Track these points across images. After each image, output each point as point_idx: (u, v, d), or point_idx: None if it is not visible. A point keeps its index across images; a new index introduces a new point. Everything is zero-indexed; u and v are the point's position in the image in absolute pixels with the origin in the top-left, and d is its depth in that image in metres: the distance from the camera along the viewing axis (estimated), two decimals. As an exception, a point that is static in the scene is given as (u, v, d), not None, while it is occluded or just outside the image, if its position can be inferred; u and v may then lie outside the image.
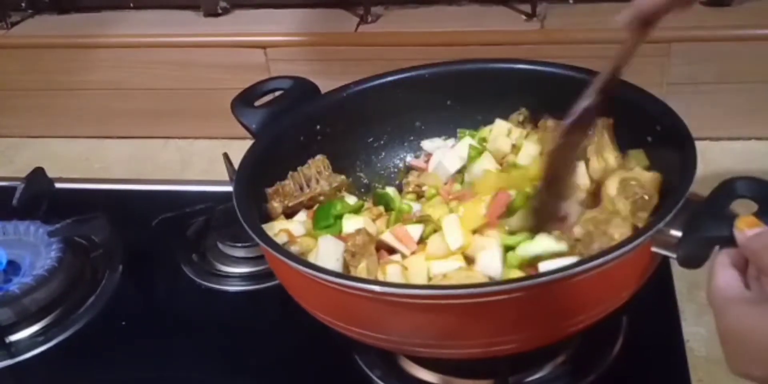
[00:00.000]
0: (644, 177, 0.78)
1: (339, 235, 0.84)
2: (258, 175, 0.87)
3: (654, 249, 0.68)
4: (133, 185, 1.23)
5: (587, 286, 0.67)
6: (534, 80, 0.92)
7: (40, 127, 1.38)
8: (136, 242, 1.07)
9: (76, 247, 1.07)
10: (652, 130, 0.81)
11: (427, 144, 0.99)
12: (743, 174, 0.66)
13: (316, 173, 0.92)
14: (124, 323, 0.97)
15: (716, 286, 0.60)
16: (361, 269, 0.78)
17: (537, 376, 0.84)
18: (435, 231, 0.83)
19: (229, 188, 0.82)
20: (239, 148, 0.87)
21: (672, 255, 0.67)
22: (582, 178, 0.84)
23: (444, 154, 0.95)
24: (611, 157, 0.84)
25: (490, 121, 0.95)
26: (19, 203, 1.11)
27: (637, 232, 0.69)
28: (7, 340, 0.94)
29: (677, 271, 0.92)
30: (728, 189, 0.66)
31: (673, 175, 0.74)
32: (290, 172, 0.91)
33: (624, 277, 0.70)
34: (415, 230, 0.83)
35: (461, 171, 0.94)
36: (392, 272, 0.78)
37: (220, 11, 1.29)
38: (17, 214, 1.10)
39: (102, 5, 1.35)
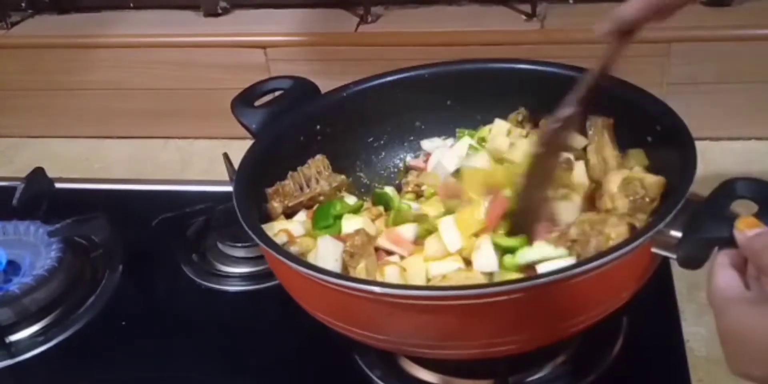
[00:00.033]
0: (649, 179, 0.78)
1: (338, 235, 0.84)
2: (258, 175, 0.87)
3: (654, 250, 0.68)
4: (133, 185, 1.23)
5: (587, 287, 0.67)
6: (534, 80, 0.92)
7: (40, 127, 1.38)
8: (136, 242, 1.07)
9: (76, 247, 1.07)
10: (652, 130, 0.81)
11: (426, 144, 0.99)
12: (743, 174, 0.66)
13: (316, 173, 0.92)
14: (124, 323, 0.97)
15: (716, 286, 0.60)
16: (360, 270, 0.78)
17: (537, 376, 0.84)
18: (430, 230, 0.83)
19: (229, 188, 0.82)
20: (239, 148, 0.87)
21: (672, 256, 0.67)
22: (581, 178, 0.84)
23: (443, 153, 0.95)
24: (611, 157, 0.84)
25: (490, 121, 0.95)
26: (19, 203, 1.11)
27: (636, 233, 0.69)
28: (7, 340, 0.94)
29: (677, 271, 0.92)
30: (728, 189, 0.66)
31: (673, 175, 0.74)
32: (290, 172, 0.91)
33: (624, 277, 0.70)
34: (409, 231, 0.83)
35: (460, 170, 0.94)
36: (390, 273, 0.78)
37: (220, 11, 1.29)
38: (17, 214, 1.10)
39: (102, 5, 1.35)
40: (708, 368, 0.82)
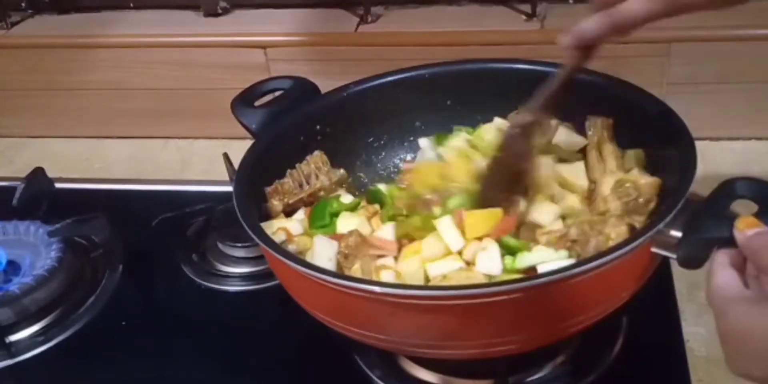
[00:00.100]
0: (642, 180, 0.78)
1: (333, 235, 0.84)
2: (258, 175, 0.87)
3: (654, 249, 0.68)
4: (133, 185, 1.23)
5: (587, 286, 0.67)
6: (534, 80, 0.92)
7: (40, 127, 1.38)
8: (136, 242, 1.07)
9: (76, 247, 1.07)
10: (652, 130, 0.81)
11: (423, 142, 0.98)
12: (743, 174, 0.66)
13: (315, 169, 0.91)
14: (124, 323, 0.97)
15: (715, 285, 0.60)
16: (355, 270, 0.78)
17: (537, 376, 0.84)
18: (395, 217, 0.83)
19: (229, 188, 0.82)
20: (239, 148, 0.87)
21: (672, 255, 0.67)
22: (580, 178, 0.84)
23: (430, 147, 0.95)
24: (610, 157, 0.84)
25: (490, 121, 0.95)
26: (19, 203, 1.11)
27: (637, 233, 0.69)
28: (7, 340, 0.94)
29: (677, 271, 0.92)
30: (728, 189, 0.66)
31: (673, 175, 0.74)
32: (289, 170, 0.91)
33: (624, 277, 0.70)
34: (388, 232, 0.83)
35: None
36: (386, 278, 0.78)
37: (220, 11, 1.29)
38: (17, 214, 1.10)
39: (102, 5, 1.35)
40: (708, 368, 0.82)
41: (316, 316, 0.77)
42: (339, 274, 0.76)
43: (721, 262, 0.61)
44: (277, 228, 0.84)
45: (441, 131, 0.98)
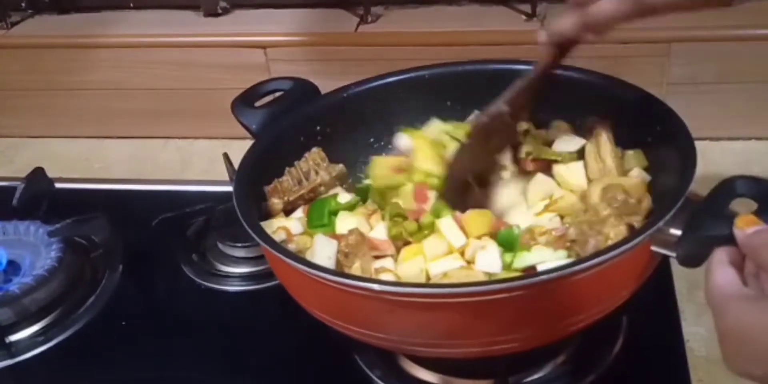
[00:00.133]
0: (629, 182, 0.78)
1: (333, 234, 0.84)
2: (258, 175, 0.87)
3: (654, 248, 0.68)
4: (133, 185, 1.23)
5: (587, 284, 0.67)
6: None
7: (40, 127, 1.38)
8: (136, 242, 1.07)
9: (76, 247, 1.07)
10: (652, 130, 0.81)
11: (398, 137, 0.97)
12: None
13: (314, 165, 0.91)
14: (124, 323, 0.97)
15: (714, 283, 0.60)
16: (354, 269, 0.78)
17: (537, 376, 0.84)
18: (399, 215, 0.83)
19: (229, 188, 0.82)
20: (239, 148, 0.87)
21: (672, 254, 0.67)
22: (579, 179, 0.84)
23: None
24: (609, 158, 0.84)
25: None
26: (19, 203, 1.11)
27: (637, 231, 0.69)
28: (7, 340, 0.94)
29: (677, 270, 0.92)
30: (728, 188, 0.66)
31: (673, 175, 0.74)
32: (287, 168, 0.91)
33: (624, 276, 0.70)
34: (380, 232, 0.83)
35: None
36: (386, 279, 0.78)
37: (220, 11, 1.29)
38: (17, 214, 1.10)
39: (102, 5, 1.35)
40: (708, 368, 0.82)
41: (315, 315, 0.77)
42: (338, 272, 0.75)
43: (719, 260, 0.61)
44: (277, 227, 0.84)
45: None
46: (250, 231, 0.75)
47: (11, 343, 0.94)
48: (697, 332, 0.86)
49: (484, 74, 0.95)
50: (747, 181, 0.65)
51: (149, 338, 0.95)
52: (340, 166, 0.93)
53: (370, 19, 1.22)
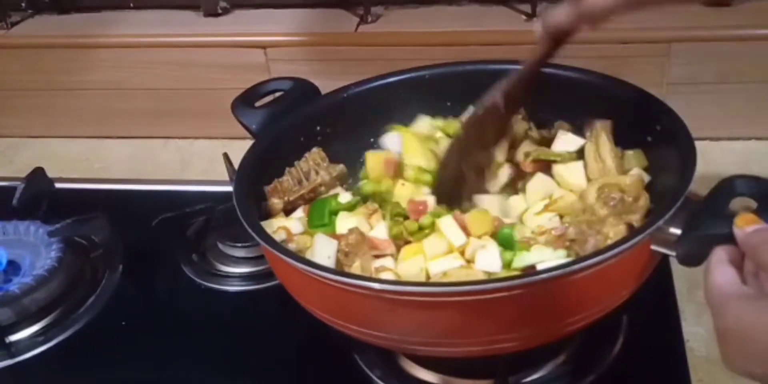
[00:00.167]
0: (624, 181, 0.78)
1: (333, 234, 0.84)
2: (258, 175, 0.87)
3: (653, 247, 0.68)
4: (133, 185, 1.23)
5: (587, 283, 0.67)
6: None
7: (40, 127, 1.38)
8: (136, 242, 1.07)
9: (76, 247, 1.07)
10: (652, 130, 0.81)
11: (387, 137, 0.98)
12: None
13: (314, 165, 0.91)
14: (124, 323, 0.97)
15: (713, 283, 0.60)
16: (354, 268, 0.78)
17: (537, 375, 0.84)
18: (400, 215, 0.84)
19: (229, 188, 0.82)
20: (239, 148, 0.87)
21: (671, 253, 0.67)
22: (579, 178, 0.84)
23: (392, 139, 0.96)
24: (609, 157, 0.84)
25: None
26: (19, 203, 1.11)
27: (636, 230, 0.69)
28: (7, 340, 0.94)
29: (677, 270, 0.92)
30: (727, 187, 0.66)
31: (673, 175, 0.74)
32: (287, 168, 0.91)
33: (624, 275, 0.71)
34: (380, 231, 0.83)
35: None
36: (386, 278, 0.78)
37: (220, 11, 1.29)
38: (17, 214, 1.10)
39: (102, 5, 1.35)
40: (708, 368, 0.82)
41: (315, 315, 0.77)
42: (338, 270, 0.75)
43: (719, 259, 0.61)
44: (278, 227, 0.84)
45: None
46: (250, 231, 0.75)
47: (11, 343, 0.94)
48: (697, 332, 0.86)
49: (484, 74, 0.94)
50: (747, 181, 0.65)
51: (149, 338, 0.95)
52: (341, 167, 0.93)
53: (370, 19, 1.22)
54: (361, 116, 0.96)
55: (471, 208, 0.85)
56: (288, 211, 0.89)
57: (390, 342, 0.74)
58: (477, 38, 1.16)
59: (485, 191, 0.88)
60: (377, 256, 0.81)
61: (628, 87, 0.85)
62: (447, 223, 0.80)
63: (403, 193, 0.87)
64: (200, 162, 1.29)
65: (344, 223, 0.84)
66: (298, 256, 0.73)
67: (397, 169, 0.91)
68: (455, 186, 0.86)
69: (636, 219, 0.76)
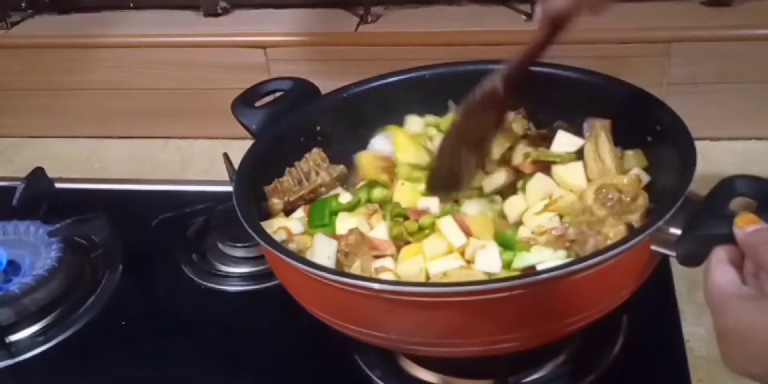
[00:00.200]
0: (622, 181, 0.78)
1: (333, 234, 0.84)
2: (258, 175, 0.87)
3: (653, 247, 0.68)
4: (133, 185, 1.23)
5: (588, 283, 0.67)
6: (534, 80, 0.92)
7: (40, 127, 1.38)
8: (136, 242, 1.08)
9: (76, 247, 1.07)
10: (652, 130, 0.81)
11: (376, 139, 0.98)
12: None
13: (315, 166, 0.91)
14: (124, 323, 0.97)
15: (713, 283, 0.60)
16: (354, 269, 0.78)
17: (537, 376, 0.84)
18: (400, 215, 0.83)
19: (229, 188, 0.82)
20: (239, 148, 0.87)
21: (671, 253, 0.67)
22: (578, 179, 0.84)
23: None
24: (608, 158, 0.84)
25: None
26: (19, 203, 1.11)
27: (637, 230, 0.69)
28: (7, 340, 0.94)
29: (677, 270, 0.92)
30: (727, 187, 0.66)
31: (673, 175, 0.74)
32: (287, 169, 0.91)
33: (624, 275, 0.71)
34: (380, 231, 0.83)
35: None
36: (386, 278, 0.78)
37: (220, 11, 1.29)
38: (17, 214, 1.10)
39: (102, 5, 1.35)
40: (708, 368, 0.82)
41: (315, 315, 0.77)
42: (338, 271, 0.76)
43: (719, 259, 0.61)
44: (278, 227, 0.84)
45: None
46: (250, 231, 0.75)
47: (11, 343, 0.94)
48: (697, 332, 0.86)
49: (483, 74, 0.94)
50: (747, 181, 0.66)
51: (149, 338, 0.95)
52: (341, 167, 0.93)
53: (370, 19, 1.22)
54: (361, 116, 0.96)
55: (465, 196, 0.86)
56: (288, 211, 0.89)
57: (390, 342, 0.74)
58: (477, 38, 1.16)
59: (483, 175, 0.88)
60: (377, 257, 0.81)
61: (628, 87, 0.85)
62: (447, 223, 0.81)
63: (404, 193, 0.87)
64: (200, 162, 1.29)
65: (344, 223, 0.84)
66: (298, 256, 0.73)
67: (391, 168, 0.91)
68: (452, 173, 0.86)
69: (635, 219, 0.76)
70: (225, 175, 0.90)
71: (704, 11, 1.14)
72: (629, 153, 0.85)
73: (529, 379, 0.83)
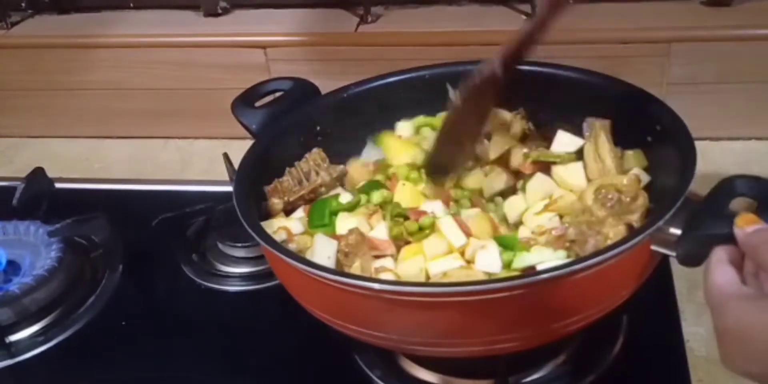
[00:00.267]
0: (621, 181, 0.78)
1: (333, 234, 0.84)
2: (258, 175, 0.87)
3: (653, 247, 0.68)
4: (133, 185, 1.23)
5: (588, 283, 0.67)
6: (534, 80, 0.92)
7: (40, 127, 1.38)
8: (136, 242, 1.08)
9: (76, 247, 1.07)
10: (652, 130, 0.81)
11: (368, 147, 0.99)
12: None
13: (315, 166, 0.91)
14: (124, 323, 0.97)
15: (713, 282, 0.60)
16: (354, 269, 0.78)
17: (537, 376, 0.84)
18: (400, 215, 0.84)
19: (229, 188, 0.82)
20: (239, 148, 0.87)
21: (671, 253, 0.67)
22: (578, 179, 0.84)
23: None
24: (608, 158, 0.84)
25: (490, 121, 0.95)
26: (19, 203, 1.11)
27: (637, 230, 0.69)
28: (7, 340, 0.94)
29: (677, 270, 0.92)
30: (727, 187, 0.66)
31: (673, 175, 0.74)
32: (288, 169, 0.91)
33: (624, 275, 0.71)
34: (380, 231, 0.83)
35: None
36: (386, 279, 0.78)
37: (220, 11, 1.29)
38: (17, 214, 1.10)
39: (102, 5, 1.35)
40: (708, 368, 0.82)
41: (315, 315, 0.77)
42: (338, 271, 0.76)
43: (719, 259, 0.61)
44: (278, 227, 0.84)
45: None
46: (250, 231, 0.75)
47: (11, 343, 0.94)
48: (697, 332, 0.86)
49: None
50: (747, 181, 0.66)
51: (149, 338, 0.95)
52: (341, 167, 0.93)
53: (370, 19, 1.22)
54: (361, 116, 0.96)
55: (460, 178, 0.87)
56: (288, 211, 0.89)
57: (390, 342, 0.74)
58: (477, 38, 1.16)
59: (479, 159, 0.89)
60: (377, 257, 0.81)
61: (628, 87, 0.85)
62: (447, 223, 0.81)
63: (404, 194, 0.87)
64: (200, 162, 1.29)
65: (344, 223, 0.84)
66: (298, 257, 0.73)
67: (382, 169, 0.92)
68: (449, 156, 0.87)
69: (635, 219, 0.76)
70: (225, 175, 0.90)
71: (704, 11, 1.14)
72: (629, 153, 0.85)
73: (529, 379, 0.83)
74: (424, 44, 1.18)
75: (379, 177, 0.91)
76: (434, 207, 0.84)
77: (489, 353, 0.73)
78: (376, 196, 0.87)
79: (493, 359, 0.78)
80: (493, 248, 0.77)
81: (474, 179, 0.89)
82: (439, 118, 0.95)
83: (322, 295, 0.73)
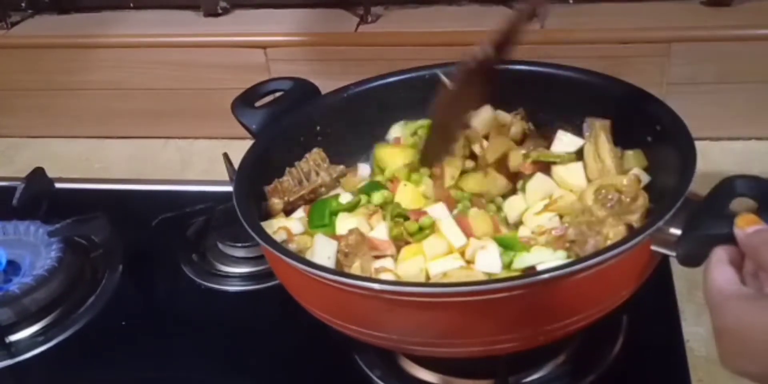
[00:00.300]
0: (621, 181, 0.78)
1: (333, 235, 0.84)
2: (258, 174, 0.87)
3: (654, 247, 0.68)
4: (133, 185, 1.23)
5: (588, 283, 0.67)
6: (534, 80, 0.92)
7: (40, 127, 1.38)
8: (136, 242, 1.08)
9: (76, 247, 1.07)
10: (652, 130, 0.81)
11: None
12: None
13: (315, 166, 0.92)
14: (124, 323, 0.97)
15: (713, 283, 0.60)
16: (354, 269, 0.78)
17: (537, 376, 0.84)
18: (400, 215, 0.84)
19: (229, 188, 0.82)
20: (239, 148, 0.87)
21: (671, 253, 0.67)
22: (578, 179, 0.85)
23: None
24: (608, 158, 0.84)
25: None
26: (19, 203, 1.11)
27: (637, 230, 0.69)
28: (7, 340, 0.94)
29: (677, 270, 0.92)
30: (728, 187, 0.66)
31: (673, 175, 0.74)
32: (288, 169, 0.91)
33: (624, 275, 0.71)
34: (381, 231, 0.83)
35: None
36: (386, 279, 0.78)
37: (220, 11, 1.29)
38: (17, 214, 1.10)
39: (102, 5, 1.35)
40: (708, 368, 0.82)
41: (315, 315, 0.77)
42: (338, 271, 0.76)
43: (718, 259, 0.61)
44: (278, 227, 0.84)
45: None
46: (250, 231, 0.75)
47: (11, 343, 0.94)
48: (697, 332, 0.86)
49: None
50: (747, 181, 0.66)
51: (149, 338, 0.95)
52: (341, 168, 0.93)
53: (370, 19, 1.22)
54: (361, 116, 0.96)
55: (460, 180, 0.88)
56: (288, 211, 0.89)
57: (390, 342, 0.74)
58: (477, 38, 1.15)
59: (484, 180, 0.89)
60: (377, 257, 0.81)
61: (628, 87, 0.85)
62: (447, 223, 0.81)
63: (405, 194, 0.87)
64: (200, 162, 1.29)
65: (344, 223, 0.84)
66: (298, 257, 0.73)
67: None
68: (441, 142, 0.87)
69: (635, 219, 0.76)
70: (225, 175, 0.90)
71: (704, 11, 1.14)
72: (629, 153, 0.85)
73: (529, 379, 0.83)
74: (424, 44, 1.18)
75: (380, 178, 0.91)
76: (437, 211, 0.84)
77: (489, 353, 0.73)
78: (377, 196, 0.87)
79: (493, 359, 0.78)
80: (493, 248, 0.78)
81: (473, 181, 0.89)
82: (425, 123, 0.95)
83: (322, 295, 0.73)
